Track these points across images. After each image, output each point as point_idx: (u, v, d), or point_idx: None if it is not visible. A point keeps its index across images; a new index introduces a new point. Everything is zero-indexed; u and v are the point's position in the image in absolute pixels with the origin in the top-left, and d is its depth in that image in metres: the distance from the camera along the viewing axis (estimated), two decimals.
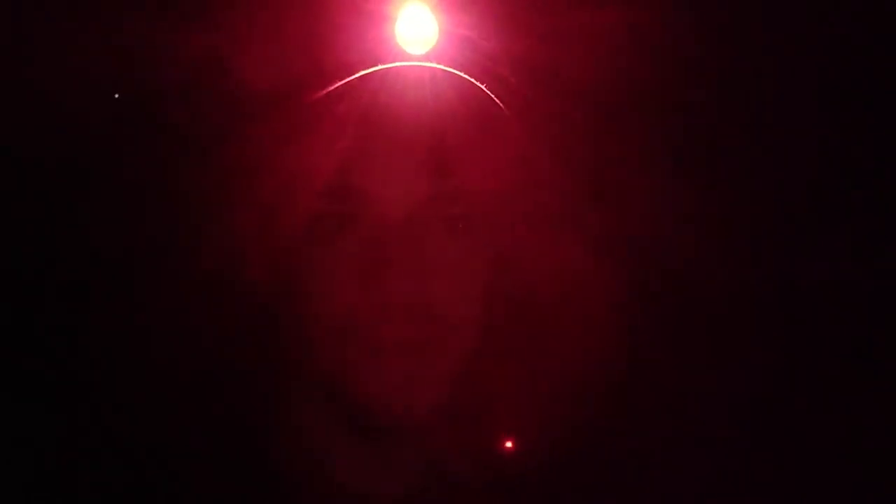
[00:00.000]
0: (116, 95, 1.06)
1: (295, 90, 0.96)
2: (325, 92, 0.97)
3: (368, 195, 0.99)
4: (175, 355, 1.02)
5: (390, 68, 0.98)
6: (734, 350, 1.12)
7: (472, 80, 0.99)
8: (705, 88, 1.07)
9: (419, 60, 0.99)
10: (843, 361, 1.15)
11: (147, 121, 1.02)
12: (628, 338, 1.05)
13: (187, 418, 1.02)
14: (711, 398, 1.11)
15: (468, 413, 1.05)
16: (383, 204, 0.99)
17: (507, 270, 1.03)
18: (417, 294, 0.99)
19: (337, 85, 0.97)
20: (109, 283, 1.04)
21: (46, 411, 1.05)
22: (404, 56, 0.99)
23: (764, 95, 1.10)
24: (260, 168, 0.97)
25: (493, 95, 1.00)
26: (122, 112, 1.02)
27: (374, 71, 0.97)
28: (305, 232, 0.99)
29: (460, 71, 0.99)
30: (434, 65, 0.98)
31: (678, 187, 1.06)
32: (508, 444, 1.05)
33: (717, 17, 1.06)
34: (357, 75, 0.97)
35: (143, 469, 1.01)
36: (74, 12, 0.98)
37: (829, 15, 1.08)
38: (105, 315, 1.04)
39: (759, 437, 1.13)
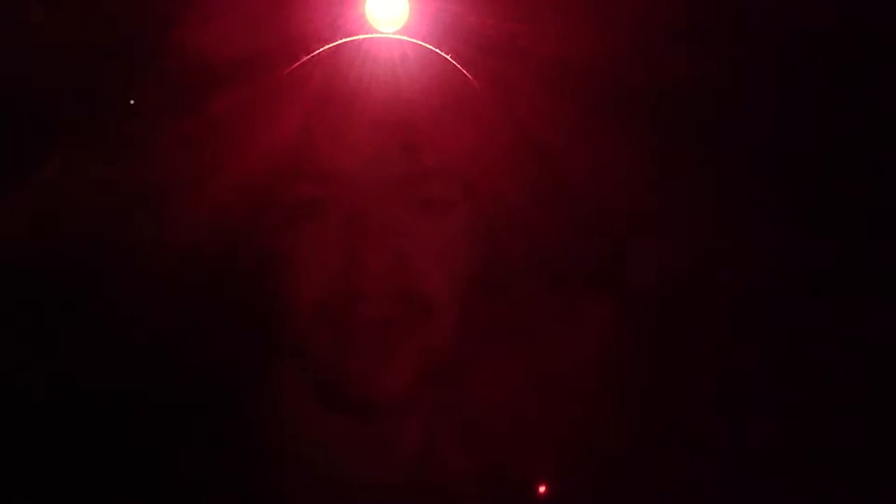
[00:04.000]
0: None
1: (264, 68, 0.98)
2: (294, 68, 0.98)
3: (341, 173, 0.99)
4: (153, 340, 1.02)
5: (361, 44, 0.99)
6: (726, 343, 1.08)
7: (443, 54, 1.00)
8: (683, 68, 1.06)
9: (389, 37, 1.00)
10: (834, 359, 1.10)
11: (113, 96, 1.04)
12: (607, 317, 1.02)
13: (169, 399, 1.02)
14: (705, 395, 1.07)
15: (449, 394, 1.02)
16: (356, 182, 0.99)
17: (482, 247, 1.02)
18: (393, 272, 0.98)
19: (306, 59, 0.98)
20: (80, 272, 1.05)
21: (33, 396, 1.06)
22: (374, 34, 1.00)
23: (739, 79, 1.08)
24: (229, 146, 0.98)
25: (464, 70, 1.00)
26: (88, 88, 1.04)
27: (343, 43, 0.99)
28: (277, 211, 0.99)
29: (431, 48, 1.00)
30: (406, 38, 1.00)
31: (654, 165, 1.05)
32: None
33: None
34: (326, 47, 0.98)
35: (129, 453, 1.01)
36: None
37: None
38: (82, 306, 1.05)
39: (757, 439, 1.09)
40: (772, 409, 1.12)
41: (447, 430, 1.03)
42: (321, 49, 0.98)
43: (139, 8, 1.01)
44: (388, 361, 0.98)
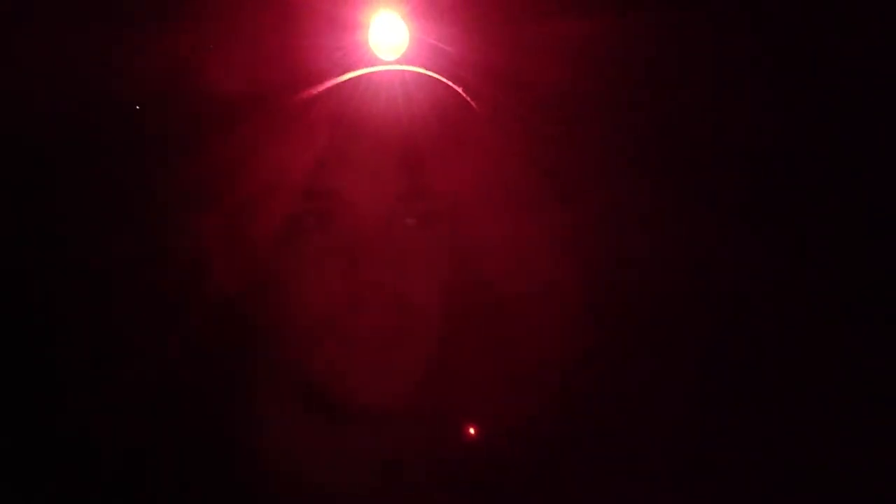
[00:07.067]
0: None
1: (269, 97, 1.01)
2: (299, 98, 1.01)
3: (341, 197, 1.02)
4: (149, 352, 1.06)
5: (363, 74, 1.02)
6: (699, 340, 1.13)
7: (443, 79, 1.02)
8: (672, 93, 1.08)
9: (391, 65, 1.02)
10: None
11: (122, 125, 1.07)
12: (595, 332, 1.06)
13: (160, 410, 1.06)
14: (677, 390, 1.12)
15: (437, 405, 1.07)
16: (356, 205, 1.02)
17: (476, 266, 1.06)
18: (388, 288, 1.02)
19: (312, 91, 1.01)
20: (83, 284, 1.08)
21: (21, 416, 1.10)
22: (376, 62, 1.02)
23: (729, 97, 1.11)
24: (234, 172, 1.01)
25: (463, 94, 1.03)
26: (98, 116, 1.07)
27: (349, 78, 1.01)
28: (278, 232, 1.03)
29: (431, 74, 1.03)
30: (407, 67, 1.02)
31: (643, 188, 1.08)
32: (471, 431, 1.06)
33: (684, 22, 1.07)
34: (332, 82, 1.01)
35: (117, 466, 1.06)
36: (51, 16, 1.04)
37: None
38: (80, 316, 1.08)
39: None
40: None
41: (440, 436, 1.08)
42: (328, 83, 1.01)
43: (146, 44, 1.03)
44: (385, 372, 1.03)
